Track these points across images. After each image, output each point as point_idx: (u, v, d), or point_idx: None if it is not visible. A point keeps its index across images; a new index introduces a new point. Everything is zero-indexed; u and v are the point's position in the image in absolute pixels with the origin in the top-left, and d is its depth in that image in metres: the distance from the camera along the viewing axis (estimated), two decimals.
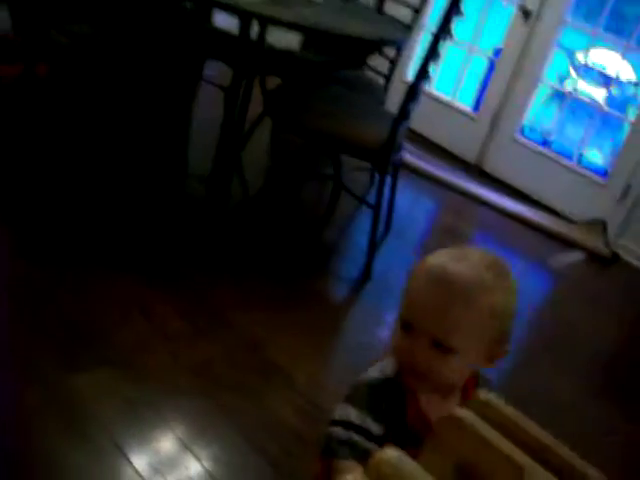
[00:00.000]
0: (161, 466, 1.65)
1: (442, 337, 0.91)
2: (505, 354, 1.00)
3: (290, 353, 2.18)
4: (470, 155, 4.21)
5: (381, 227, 2.81)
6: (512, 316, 0.99)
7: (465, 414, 0.71)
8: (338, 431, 0.96)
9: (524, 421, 0.76)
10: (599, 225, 3.80)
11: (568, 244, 3.66)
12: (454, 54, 4.21)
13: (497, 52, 4.21)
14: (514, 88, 4.04)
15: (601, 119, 4.00)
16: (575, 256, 3.59)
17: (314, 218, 3.15)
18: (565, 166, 3.96)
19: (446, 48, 2.79)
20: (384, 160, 2.55)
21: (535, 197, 3.98)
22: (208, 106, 3.48)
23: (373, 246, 2.68)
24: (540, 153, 4.03)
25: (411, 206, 3.66)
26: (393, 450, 0.63)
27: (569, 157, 4.02)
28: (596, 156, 4.20)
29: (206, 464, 1.69)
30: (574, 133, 4.22)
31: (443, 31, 2.33)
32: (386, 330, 2.53)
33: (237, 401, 1.92)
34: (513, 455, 0.68)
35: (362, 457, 0.90)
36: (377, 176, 2.72)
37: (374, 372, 1.03)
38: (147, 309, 2.15)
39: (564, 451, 0.74)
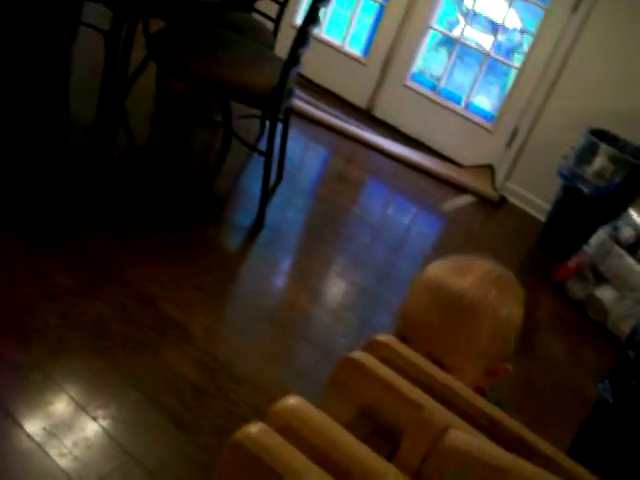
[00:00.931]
0: (56, 429, 1.58)
1: (439, 357, 0.86)
2: (507, 373, 0.95)
3: (184, 306, 2.14)
4: (360, 100, 4.21)
5: (273, 175, 2.77)
6: (516, 331, 0.94)
7: (362, 356, 0.69)
8: None
9: (427, 365, 0.75)
10: (487, 169, 3.91)
11: (458, 188, 3.75)
12: None
13: None
14: (404, 33, 4.04)
15: (488, 65, 4.08)
16: (465, 200, 3.68)
17: (204, 167, 3.07)
18: (454, 111, 4.03)
19: None
20: (275, 106, 2.50)
21: (425, 142, 4.04)
22: (89, 52, 3.31)
23: (266, 194, 2.65)
24: (429, 98, 4.07)
25: (303, 153, 3.63)
26: (294, 397, 0.61)
27: (458, 102, 4.09)
28: (483, 102, 4.29)
29: (103, 423, 1.64)
30: (463, 79, 4.29)
31: None
32: (280, 277, 2.53)
33: (132, 358, 1.87)
34: (410, 394, 0.66)
35: None
36: (268, 123, 2.67)
37: None
38: (31, 267, 2.04)
39: (468, 394, 0.74)
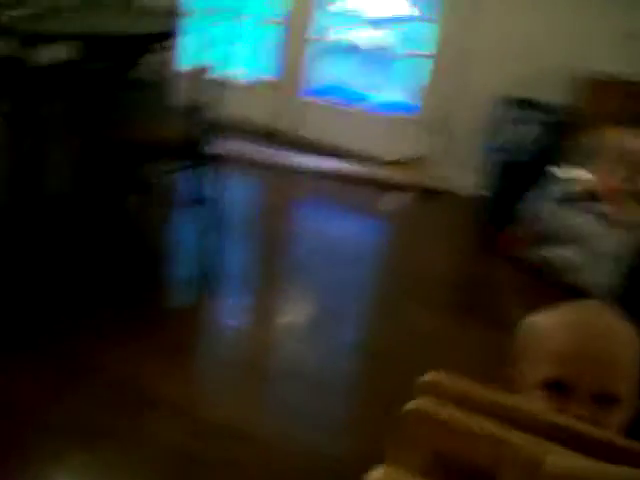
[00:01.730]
0: None
1: (610, 385, 0.84)
2: (637, 406, 0.91)
3: (160, 377, 2.10)
4: (277, 124, 4.17)
5: (212, 222, 2.71)
6: None
7: (422, 404, 0.65)
8: None
9: (478, 389, 0.71)
10: (420, 161, 3.93)
11: (396, 187, 3.75)
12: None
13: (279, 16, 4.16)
14: (302, 49, 4.04)
15: (397, 60, 4.11)
16: (405, 196, 3.69)
17: (141, 234, 2.98)
18: (372, 112, 4.06)
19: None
20: (194, 154, 2.44)
21: (354, 150, 4.01)
22: None
23: (208, 243, 2.59)
24: (344, 106, 4.10)
25: (235, 194, 3.57)
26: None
27: (374, 103, 4.13)
28: (402, 96, 4.29)
29: None
30: (371, 80, 4.30)
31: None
32: (242, 319, 2.48)
33: (115, 444, 1.79)
34: (489, 431, 0.63)
35: None
36: (194, 173, 2.61)
37: None
38: None
39: (529, 406, 0.70)
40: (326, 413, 2.06)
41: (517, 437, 0.61)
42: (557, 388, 0.85)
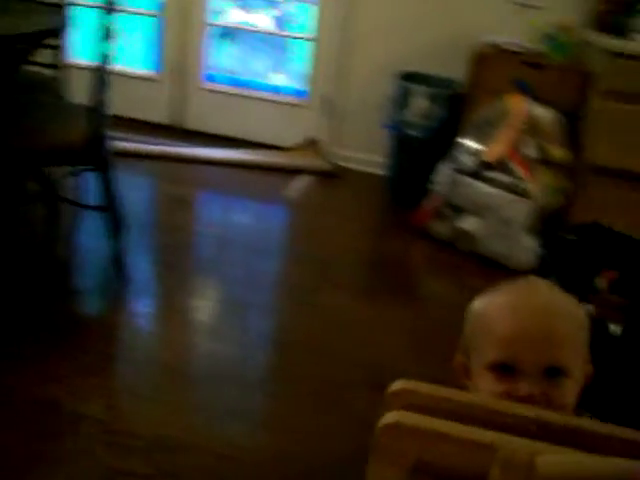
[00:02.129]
0: None
1: (555, 360, 0.85)
2: (591, 373, 0.93)
3: (83, 395, 1.96)
4: (169, 117, 4.05)
5: (117, 224, 2.59)
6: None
7: (398, 416, 0.62)
8: None
9: (452, 392, 0.70)
10: (314, 144, 3.90)
11: (292, 172, 3.71)
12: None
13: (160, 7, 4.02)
14: (186, 38, 3.92)
15: (280, 44, 4.06)
16: (303, 181, 3.66)
17: (45, 243, 2.81)
18: (263, 98, 3.97)
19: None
20: (96, 156, 2.32)
21: (246, 138, 3.96)
22: None
23: (117, 248, 2.48)
24: (235, 94, 4.00)
25: (136, 193, 3.44)
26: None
27: (264, 89, 4.04)
28: (289, 80, 4.25)
29: None
30: (260, 64, 4.23)
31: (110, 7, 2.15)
32: (159, 324, 2.40)
33: (38, 469, 1.68)
34: (474, 437, 0.61)
35: None
36: (93, 174, 2.48)
37: None
38: None
39: (507, 406, 0.69)
40: (254, 410, 2.02)
41: (507, 440, 0.60)
42: (505, 370, 0.86)
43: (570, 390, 0.86)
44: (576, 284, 1.56)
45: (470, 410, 0.68)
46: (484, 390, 0.88)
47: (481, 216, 3.06)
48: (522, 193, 2.98)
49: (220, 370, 2.17)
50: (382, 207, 3.59)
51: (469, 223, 3.09)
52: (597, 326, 1.31)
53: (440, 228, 3.18)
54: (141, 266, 2.70)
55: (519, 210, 2.98)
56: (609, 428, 0.64)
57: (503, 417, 0.66)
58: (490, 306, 0.93)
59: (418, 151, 3.42)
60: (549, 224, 3.13)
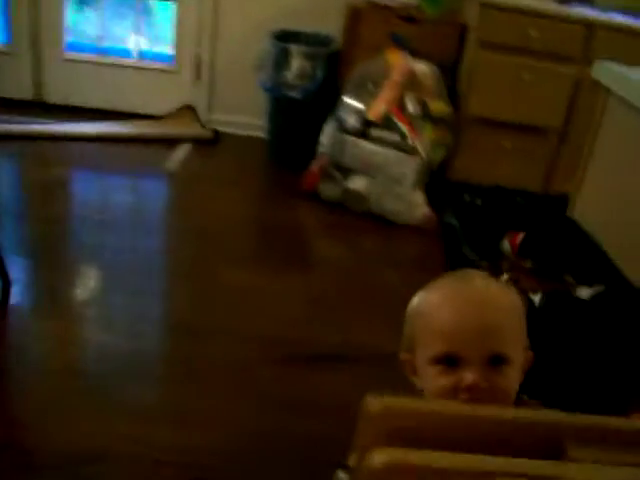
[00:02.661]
0: None
1: (496, 349, 0.87)
2: (531, 359, 0.95)
3: None
4: (29, 92, 3.75)
5: None
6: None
7: (389, 457, 0.58)
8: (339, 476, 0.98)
9: (436, 405, 0.66)
10: (188, 110, 3.75)
11: (170, 142, 3.55)
12: None
13: None
14: (39, 4, 3.61)
15: (141, 6, 3.81)
16: (182, 151, 3.51)
17: None
18: (130, 66, 3.76)
19: None
20: None
21: (116, 109, 3.74)
22: None
23: None
24: (100, 62, 3.75)
25: (3, 176, 3.18)
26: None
27: (130, 55, 3.82)
28: (155, 46, 4.02)
29: None
30: (123, 29, 3.97)
31: None
32: (50, 323, 2.21)
33: None
34: (475, 466, 0.57)
35: None
36: None
37: None
38: None
39: (493, 411, 0.66)
40: (166, 405, 1.92)
41: (508, 464, 0.57)
42: (449, 362, 0.88)
43: (512, 377, 0.89)
44: (484, 250, 1.57)
45: (457, 422, 0.64)
46: (431, 385, 0.90)
47: (370, 175, 3.05)
48: (408, 150, 2.99)
49: (119, 365, 2.03)
50: (268, 172, 3.51)
51: (358, 183, 3.07)
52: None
53: (329, 190, 3.15)
54: (18, 262, 2.48)
55: (407, 167, 2.99)
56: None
57: (478, 421, 0.65)
58: (429, 301, 0.94)
59: (298, 112, 3.35)
60: (435, 178, 3.17)
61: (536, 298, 1.26)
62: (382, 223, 3.06)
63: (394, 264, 2.82)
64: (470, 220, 1.55)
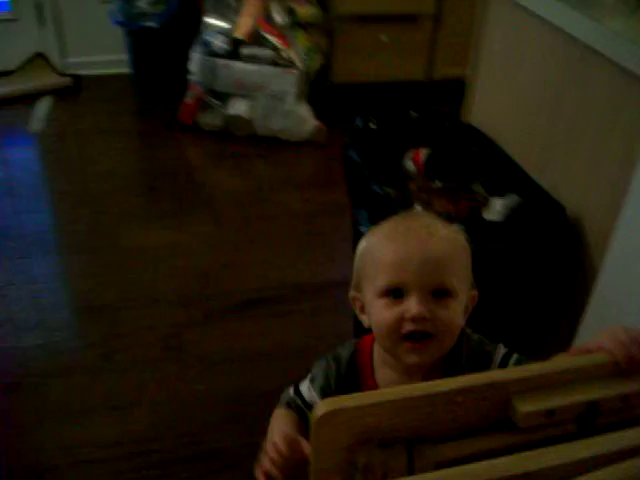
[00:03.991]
0: None
1: (440, 282, 0.87)
2: (476, 299, 0.95)
3: None
4: None
5: None
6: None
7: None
8: (289, 390, 1.03)
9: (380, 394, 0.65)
10: (39, 59, 3.42)
11: (28, 97, 3.25)
12: None
13: None
14: None
15: None
16: (45, 105, 3.22)
17: None
18: None
19: None
20: None
21: None
22: None
23: None
24: None
25: None
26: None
27: None
28: None
29: None
30: None
31: None
32: None
33: None
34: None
35: (299, 416, 1.00)
36: None
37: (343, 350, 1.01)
38: None
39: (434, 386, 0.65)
40: (90, 398, 1.80)
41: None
42: (395, 295, 0.88)
43: (456, 310, 0.89)
44: (390, 177, 1.49)
45: (407, 404, 0.64)
46: (378, 318, 0.90)
47: (249, 97, 2.89)
48: (284, 63, 2.83)
49: (34, 365, 1.87)
50: (141, 111, 3.27)
51: (239, 107, 2.91)
52: None
53: (210, 119, 2.97)
54: None
55: (286, 81, 2.84)
56: None
57: (430, 399, 0.63)
58: (375, 237, 0.94)
59: (159, 42, 3.10)
60: (317, 87, 3.04)
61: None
62: (272, 144, 2.93)
63: (295, 186, 2.72)
64: (369, 148, 1.45)
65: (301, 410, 1.00)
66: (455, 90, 2.20)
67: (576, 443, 0.62)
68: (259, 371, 1.81)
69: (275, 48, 2.82)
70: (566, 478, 0.58)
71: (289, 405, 1.01)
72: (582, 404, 0.65)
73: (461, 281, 0.90)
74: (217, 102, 2.93)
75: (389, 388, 0.64)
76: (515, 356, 0.94)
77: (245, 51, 2.84)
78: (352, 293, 0.98)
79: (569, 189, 1.38)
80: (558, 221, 1.32)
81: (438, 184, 1.49)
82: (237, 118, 2.92)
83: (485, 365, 0.93)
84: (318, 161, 2.91)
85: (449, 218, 1.40)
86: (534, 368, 0.68)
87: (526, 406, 0.64)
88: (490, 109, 1.72)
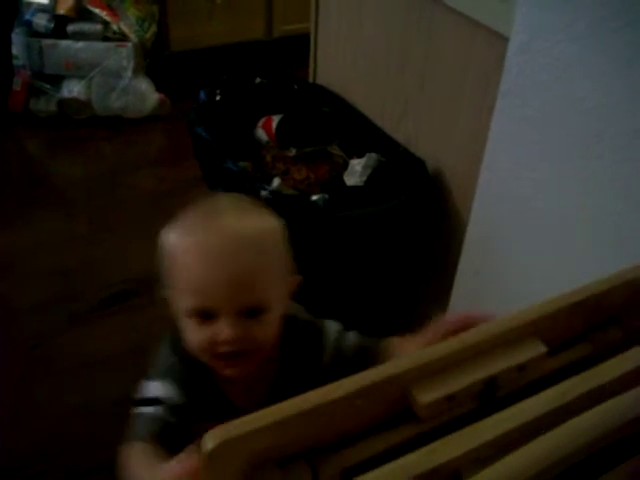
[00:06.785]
0: None
1: (251, 300, 0.80)
2: (298, 281, 0.88)
3: None
4: None
5: None
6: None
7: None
8: (140, 412, 0.87)
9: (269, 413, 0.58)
10: None
11: None
12: None
13: None
14: None
15: None
16: None
17: None
18: None
19: None
20: None
21: None
22: None
23: None
24: None
25: None
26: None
27: None
28: None
29: None
30: None
31: None
32: None
33: None
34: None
35: (164, 431, 0.84)
36: None
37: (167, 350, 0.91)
38: None
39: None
40: None
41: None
42: (204, 316, 0.82)
43: (271, 323, 0.85)
44: (243, 150, 1.42)
45: (296, 420, 0.58)
46: (190, 337, 0.84)
47: (83, 77, 2.70)
48: (115, 37, 2.66)
49: None
50: None
51: (73, 89, 2.72)
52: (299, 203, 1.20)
53: (44, 106, 2.76)
54: None
55: (120, 56, 2.68)
56: None
57: (329, 408, 0.58)
58: (178, 245, 0.84)
59: None
60: (155, 57, 2.89)
61: (317, 199, 1.15)
62: (115, 124, 2.77)
63: (145, 164, 2.59)
64: (217, 121, 1.37)
65: (160, 420, 0.86)
66: (299, 47, 2.15)
67: (479, 424, 0.61)
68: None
69: (103, 21, 2.64)
70: (476, 462, 0.57)
71: (147, 434, 0.84)
72: (481, 382, 0.63)
73: (275, 288, 0.84)
74: (48, 86, 2.72)
75: (279, 404, 0.59)
76: (351, 333, 0.91)
77: (71, 28, 2.64)
78: (165, 292, 0.87)
79: (426, 142, 1.37)
80: (419, 176, 1.31)
81: (294, 151, 1.43)
82: (73, 101, 2.73)
83: (318, 342, 0.91)
84: (166, 136, 2.78)
85: (309, 185, 1.36)
86: (427, 354, 0.64)
87: (426, 396, 0.61)
88: (337, 65, 1.68)
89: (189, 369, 0.88)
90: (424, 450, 0.58)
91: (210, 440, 0.55)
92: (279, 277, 0.84)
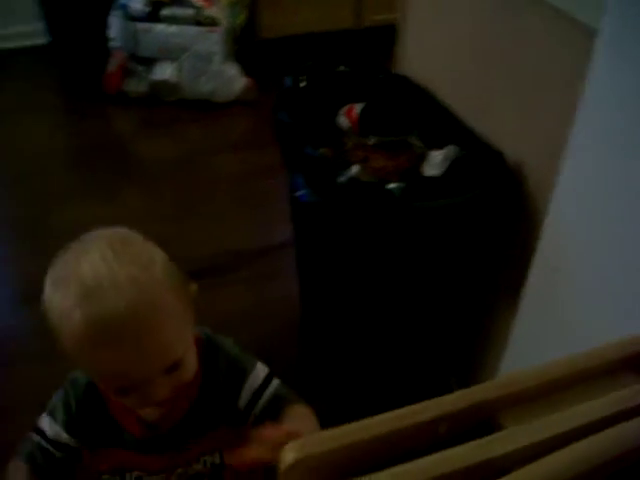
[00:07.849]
0: None
1: (167, 363, 0.77)
2: (195, 289, 0.84)
3: None
4: None
5: None
6: (170, 262, 0.82)
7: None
8: (30, 435, 0.89)
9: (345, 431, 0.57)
10: None
11: None
12: None
13: None
14: None
15: None
16: None
17: None
18: None
19: None
20: None
21: None
22: None
23: None
24: None
25: None
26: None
27: None
28: None
29: None
30: None
31: None
32: None
33: None
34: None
35: (46, 460, 0.88)
36: None
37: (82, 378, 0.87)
38: None
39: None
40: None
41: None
42: (125, 390, 0.78)
43: (191, 363, 0.82)
44: (324, 136, 1.43)
45: (375, 442, 0.58)
46: (113, 399, 0.83)
47: (175, 60, 2.78)
48: (207, 22, 2.72)
49: None
50: (64, 84, 3.11)
51: (164, 72, 2.80)
52: (375, 191, 1.20)
53: (136, 87, 2.86)
54: None
55: (210, 40, 2.74)
56: None
57: (409, 432, 0.57)
58: (67, 325, 0.72)
59: (75, 9, 2.95)
60: (244, 43, 2.94)
61: (394, 187, 1.16)
62: (202, 107, 2.83)
63: (229, 148, 2.65)
64: (300, 107, 1.39)
65: (46, 452, 0.88)
66: (387, 37, 2.14)
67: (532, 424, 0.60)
68: None
69: (195, 7, 2.70)
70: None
71: (31, 457, 0.87)
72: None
73: (185, 328, 0.80)
74: (141, 68, 2.82)
75: (360, 422, 0.58)
76: (275, 382, 0.89)
77: (165, 12, 2.72)
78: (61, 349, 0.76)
79: (507, 136, 1.35)
80: (497, 168, 1.29)
81: (374, 140, 1.44)
82: (164, 83, 2.81)
83: (238, 384, 0.88)
84: (251, 120, 2.82)
85: (387, 174, 1.36)
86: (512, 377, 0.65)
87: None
88: (423, 57, 1.67)
89: (81, 407, 0.87)
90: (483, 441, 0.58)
91: (291, 453, 0.55)
92: (184, 318, 0.79)
